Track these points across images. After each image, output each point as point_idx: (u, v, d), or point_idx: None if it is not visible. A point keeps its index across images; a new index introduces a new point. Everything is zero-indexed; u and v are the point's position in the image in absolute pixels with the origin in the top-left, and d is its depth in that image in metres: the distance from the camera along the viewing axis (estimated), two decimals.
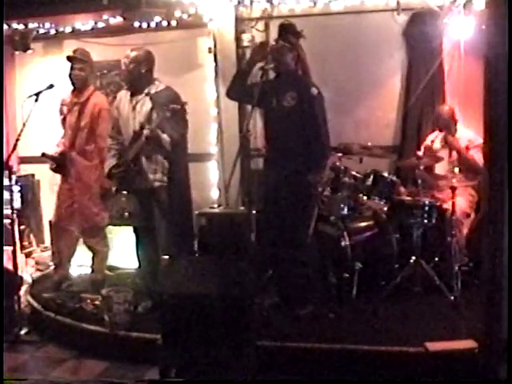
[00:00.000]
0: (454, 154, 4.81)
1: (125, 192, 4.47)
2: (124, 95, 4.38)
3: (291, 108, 4.10)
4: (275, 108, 4.18)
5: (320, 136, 4.09)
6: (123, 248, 5.44)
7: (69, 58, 4.85)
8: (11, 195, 4.96)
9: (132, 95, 4.32)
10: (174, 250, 4.15)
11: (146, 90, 4.26)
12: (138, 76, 4.26)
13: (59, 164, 4.93)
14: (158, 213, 4.28)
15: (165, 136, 4.13)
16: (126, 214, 5.38)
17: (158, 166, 4.25)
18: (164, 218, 4.26)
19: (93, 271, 5.13)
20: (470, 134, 4.91)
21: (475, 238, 4.72)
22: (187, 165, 4.54)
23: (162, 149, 4.18)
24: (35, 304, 4.60)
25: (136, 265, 4.91)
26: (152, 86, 4.28)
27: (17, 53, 6.17)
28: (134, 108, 4.28)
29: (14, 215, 5.00)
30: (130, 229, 5.09)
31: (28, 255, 5.87)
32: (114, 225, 5.51)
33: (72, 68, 4.82)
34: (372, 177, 4.63)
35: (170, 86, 4.36)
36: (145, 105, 4.23)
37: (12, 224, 4.99)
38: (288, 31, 4.26)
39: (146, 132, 4.10)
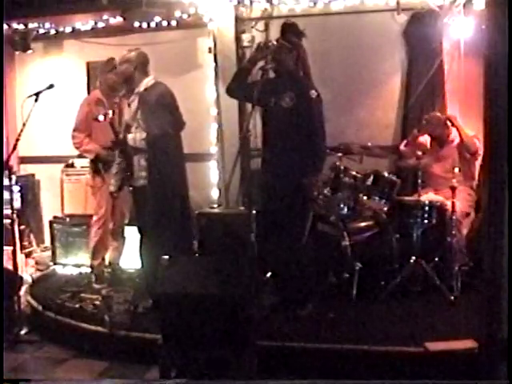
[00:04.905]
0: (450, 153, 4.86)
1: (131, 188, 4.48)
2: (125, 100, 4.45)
3: (289, 109, 4.10)
4: (273, 108, 4.18)
5: (316, 139, 4.09)
6: (125, 248, 5.43)
7: None
8: (11, 195, 4.96)
9: (128, 97, 4.37)
10: (171, 250, 4.15)
11: (136, 90, 4.30)
12: (129, 75, 4.30)
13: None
14: (148, 212, 4.27)
15: (135, 136, 4.19)
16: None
17: (146, 162, 4.24)
18: (153, 216, 4.25)
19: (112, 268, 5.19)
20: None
21: (475, 237, 4.72)
22: (181, 162, 4.43)
23: (134, 148, 4.21)
24: (35, 304, 4.60)
25: (136, 265, 4.92)
26: (142, 84, 4.30)
27: (17, 53, 6.17)
28: (129, 108, 4.33)
29: (14, 215, 5.00)
30: (130, 228, 5.11)
31: (28, 255, 5.87)
32: None
33: None
34: (372, 177, 4.62)
35: (160, 81, 4.36)
36: (134, 104, 4.28)
37: (12, 224, 4.98)
38: (290, 31, 4.26)
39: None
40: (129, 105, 4.34)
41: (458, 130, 4.85)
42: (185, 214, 4.49)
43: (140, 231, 4.51)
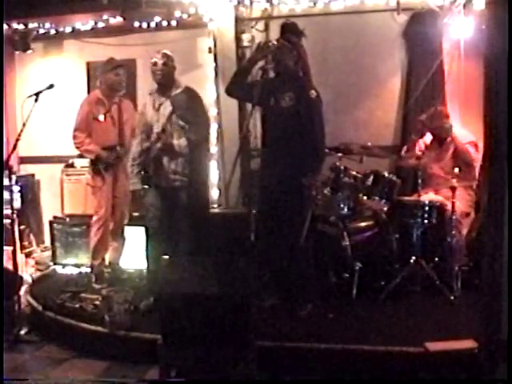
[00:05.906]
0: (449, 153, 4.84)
1: (146, 186, 4.49)
2: (148, 100, 4.47)
3: (288, 109, 4.10)
4: (273, 108, 4.18)
5: (316, 139, 4.09)
6: (125, 248, 5.43)
7: None
8: (11, 195, 4.96)
9: (156, 98, 4.40)
10: (195, 248, 4.19)
11: (167, 93, 4.35)
12: (173, 73, 4.38)
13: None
14: (178, 212, 4.34)
15: (179, 142, 4.28)
16: (135, 214, 5.36)
17: (179, 166, 4.33)
18: (183, 217, 4.32)
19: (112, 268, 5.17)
20: (461, 133, 4.91)
21: (475, 237, 4.72)
22: (208, 165, 4.61)
23: (179, 154, 4.30)
24: (35, 304, 4.60)
25: (136, 265, 4.92)
26: (173, 87, 4.38)
27: (17, 53, 6.18)
28: (157, 110, 4.37)
29: (14, 215, 5.00)
30: (133, 229, 5.11)
31: (28, 255, 5.87)
32: None
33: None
34: (372, 177, 4.63)
35: (189, 86, 4.44)
36: (166, 108, 4.33)
37: (12, 224, 4.99)
38: (290, 30, 4.26)
39: (158, 145, 4.28)
40: (156, 107, 4.37)
41: (453, 140, 4.81)
42: (207, 213, 4.58)
43: (147, 230, 4.51)
